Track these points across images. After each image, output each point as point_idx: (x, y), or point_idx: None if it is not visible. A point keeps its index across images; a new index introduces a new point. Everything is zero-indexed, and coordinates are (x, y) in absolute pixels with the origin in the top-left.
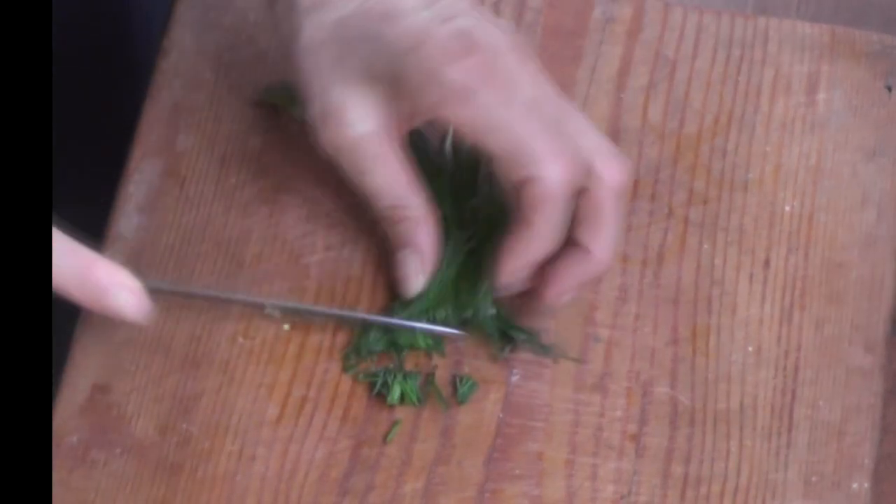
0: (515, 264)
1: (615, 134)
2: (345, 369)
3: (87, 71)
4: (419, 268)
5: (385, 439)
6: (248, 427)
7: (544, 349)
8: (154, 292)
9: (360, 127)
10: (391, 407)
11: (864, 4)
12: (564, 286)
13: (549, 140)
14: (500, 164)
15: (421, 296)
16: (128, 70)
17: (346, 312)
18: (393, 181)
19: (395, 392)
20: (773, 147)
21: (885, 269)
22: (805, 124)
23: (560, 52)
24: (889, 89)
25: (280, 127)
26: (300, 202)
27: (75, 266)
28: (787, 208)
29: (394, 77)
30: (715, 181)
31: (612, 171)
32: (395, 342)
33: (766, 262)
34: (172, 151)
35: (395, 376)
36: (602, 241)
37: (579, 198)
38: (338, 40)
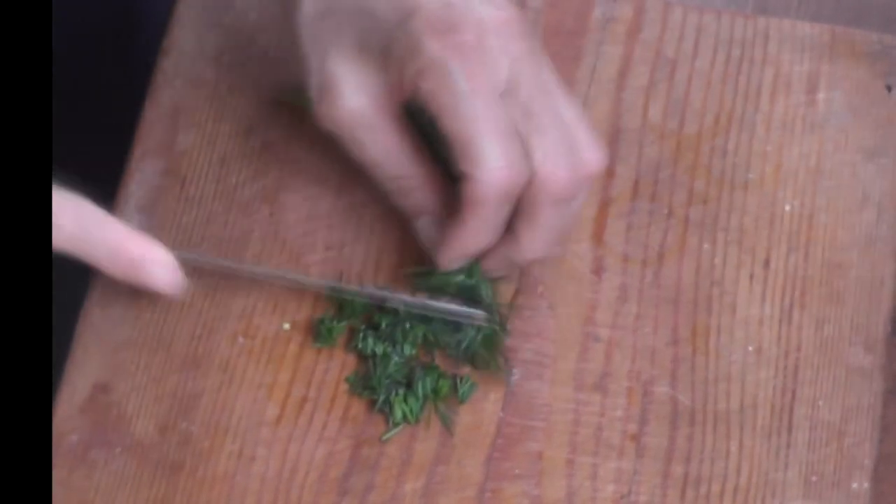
0: (450, 255)
1: (615, 134)
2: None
3: (87, 70)
4: (437, 231)
5: (381, 438)
6: (248, 427)
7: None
8: (187, 265)
9: (355, 100)
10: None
11: (864, 4)
12: (492, 263)
13: (499, 143)
14: (452, 147)
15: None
16: (128, 70)
17: (386, 293)
18: (391, 152)
19: (398, 412)
20: (774, 147)
21: (885, 269)
22: (805, 124)
23: (560, 52)
24: (889, 89)
25: (280, 127)
26: (300, 202)
27: (108, 240)
28: (787, 208)
29: (384, 49)
30: (715, 181)
31: (555, 178)
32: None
33: (767, 262)
34: (172, 151)
35: (396, 394)
36: (530, 237)
37: (524, 191)
38: (335, 12)
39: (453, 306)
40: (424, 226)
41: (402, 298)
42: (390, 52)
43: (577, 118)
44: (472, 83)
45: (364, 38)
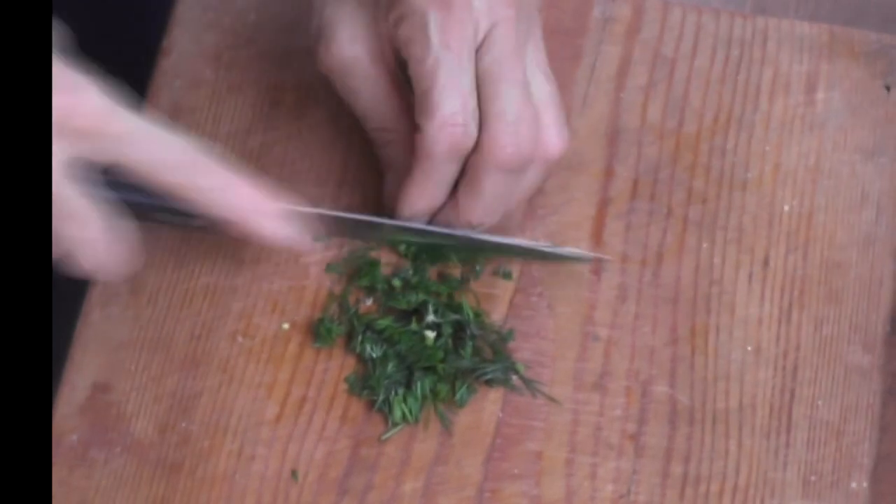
0: (402, 207)
1: (614, 133)
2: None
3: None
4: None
5: (380, 438)
6: (248, 426)
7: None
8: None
9: (349, 47)
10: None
11: (863, 4)
12: (438, 223)
13: (454, 99)
14: (415, 97)
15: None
16: (128, 70)
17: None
18: (380, 104)
19: (397, 412)
20: (773, 146)
21: (884, 268)
22: (804, 124)
23: (559, 52)
24: (888, 88)
25: (280, 127)
26: (300, 202)
27: (218, 185)
28: (786, 208)
29: None
30: (714, 180)
31: (499, 146)
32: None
33: (766, 262)
34: None
35: (396, 394)
36: (469, 202)
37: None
38: None
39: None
40: (390, 180)
41: (452, 231)
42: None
43: (547, 98)
44: (446, 36)
45: None
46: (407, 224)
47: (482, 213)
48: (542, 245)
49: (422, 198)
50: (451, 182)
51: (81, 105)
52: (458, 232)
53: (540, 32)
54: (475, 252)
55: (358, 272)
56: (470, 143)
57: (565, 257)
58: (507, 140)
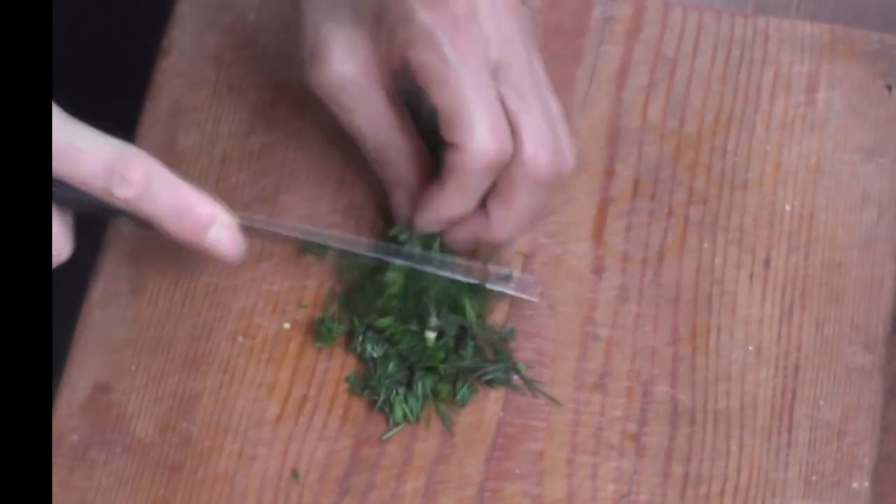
0: (427, 218)
1: (615, 133)
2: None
3: (88, 70)
4: (411, 206)
5: (381, 437)
6: (249, 426)
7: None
8: (246, 229)
9: (343, 67)
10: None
11: (864, 4)
12: (459, 235)
13: (488, 115)
14: (440, 118)
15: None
16: (128, 70)
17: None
18: (376, 123)
19: (398, 412)
20: (773, 146)
21: (885, 268)
22: (805, 124)
23: (560, 52)
24: (889, 89)
25: (280, 127)
26: (300, 202)
27: (175, 201)
28: (787, 208)
29: (377, 17)
30: (715, 180)
31: (537, 160)
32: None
33: (767, 262)
34: (173, 151)
35: (397, 394)
36: (502, 216)
37: (503, 169)
38: None
39: (455, 259)
40: (400, 198)
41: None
42: (382, 20)
43: (558, 113)
44: (462, 54)
45: (359, 7)
46: (356, 250)
47: (514, 227)
48: (484, 280)
49: (453, 209)
50: (482, 193)
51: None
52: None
53: (538, 48)
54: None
55: (362, 284)
56: (508, 156)
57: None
58: (544, 156)
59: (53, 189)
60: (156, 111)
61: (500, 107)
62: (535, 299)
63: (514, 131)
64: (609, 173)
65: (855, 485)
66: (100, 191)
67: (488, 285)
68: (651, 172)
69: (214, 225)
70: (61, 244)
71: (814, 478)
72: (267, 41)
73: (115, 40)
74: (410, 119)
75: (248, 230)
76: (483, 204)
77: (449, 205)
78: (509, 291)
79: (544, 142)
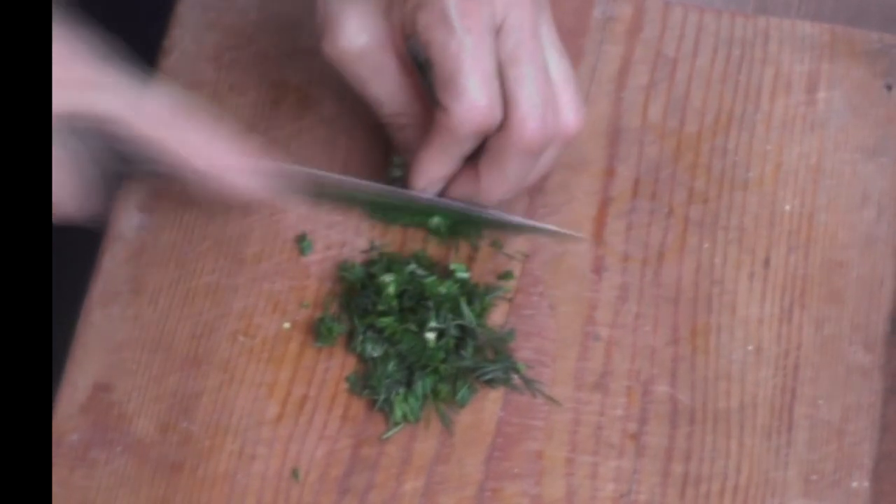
0: (417, 178)
1: (615, 133)
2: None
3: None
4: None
5: (381, 437)
6: (249, 426)
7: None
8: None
9: (359, 38)
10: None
11: (864, 4)
12: (453, 193)
13: (480, 82)
14: (435, 77)
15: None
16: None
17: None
18: (392, 91)
19: (398, 412)
20: (774, 146)
21: (885, 268)
22: (805, 123)
23: None
24: (889, 88)
25: (281, 126)
26: (300, 202)
27: (198, 133)
28: (788, 207)
29: None
30: (715, 180)
31: (525, 129)
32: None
33: (767, 262)
34: None
35: (397, 394)
36: (491, 180)
37: (494, 135)
38: None
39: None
40: (410, 161)
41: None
42: None
43: (563, 77)
44: (467, 20)
45: None
46: (384, 188)
47: (503, 191)
48: (516, 219)
49: (438, 169)
50: (466, 155)
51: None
52: (443, 202)
53: (549, 7)
54: (456, 222)
55: (360, 287)
56: (494, 124)
57: (539, 230)
58: (533, 124)
59: (73, 139)
60: None
61: (496, 74)
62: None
63: (508, 99)
64: (609, 173)
65: (854, 484)
66: (136, 128)
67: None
68: (651, 172)
69: (235, 165)
70: (70, 195)
71: (813, 477)
72: (268, 41)
73: (115, 40)
74: (422, 83)
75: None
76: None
77: (430, 163)
78: (550, 227)
79: (533, 111)
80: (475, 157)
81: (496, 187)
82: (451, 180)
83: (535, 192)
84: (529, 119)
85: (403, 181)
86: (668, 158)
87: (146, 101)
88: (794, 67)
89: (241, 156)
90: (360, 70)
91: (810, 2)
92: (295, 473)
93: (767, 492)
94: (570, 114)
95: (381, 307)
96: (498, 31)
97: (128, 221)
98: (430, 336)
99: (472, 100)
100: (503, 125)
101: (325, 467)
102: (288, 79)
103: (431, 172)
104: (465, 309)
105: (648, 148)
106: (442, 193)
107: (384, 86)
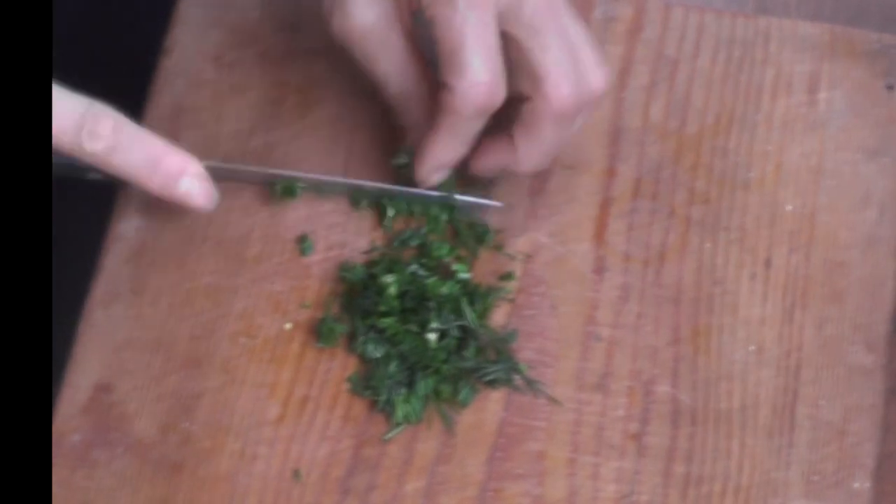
0: (424, 165)
1: (616, 133)
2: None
3: (89, 70)
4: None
5: (382, 438)
6: (250, 426)
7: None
8: (212, 171)
9: (366, 15)
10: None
11: (864, 4)
12: (486, 164)
13: (483, 58)
14: (438, 54)
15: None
16: (130, 69)
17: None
18: (399, 69)
19: (399, 412)
20: (775, 146)
21: (887, 268)
22: (806, 124)
23: None
24: (889, 88)
25: (282, 126)
26: (300, 202)
27: (145, 153)
28: (789, 208)
29: None
30: (716, 180)
31: (559, 93)
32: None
33: (768, 262)
34: None
35: (398, 394)
36: (528, 149)
37: (525, 102)
38: None
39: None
40: (413, 141)
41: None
42: None
43: (582, 38)
44: None
45: None
46: (332, 179)
47: (541, 159)
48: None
49: (446, 152)
50: (475, 137)
51: None
52: (391, 187)
53: None
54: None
55: (362, 288)
56: (499, 101)
57: (461, 202)
58: (567, 90)
59: None
60: (158, 111)
61: (499, 50)
62: (498, 204)
63: (535, 69)
64: (610, 173)
65: (856, 485)
66: (69, 146)
67: (456, 196)
68: (652, 172)
69: (186, 175)
70: None
71: (815, 477)
72: (269, 40)
73: (116, 40)
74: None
75: (215, 173)
76: (510, 134)
77: (443, 149)
78: (471, 198)
79: (566, 75)
80: (508, 127)
81: (533, 156)
82: (486, 151)
83: (536, 192)
84: (562, 85)
85: (409, 168)
86: (669, 159)
87: (90, 119)
88: (794, 68)
89: (188, 166)
90: (367, 47)
91: (810, 2)
92: (296, 474)
93: (769, 492)
94: (596, 73)
95: (382, 308)
96: (510, 6)
97: (128, 222)
98: (432, 337)
99: (474, 76)
100: (535, 94)
101: (327, 468)
102: (289, 79)
103: (439, 156)
104: (466, 309)
105: (649, 148)
106: (476, 165)
107: (391, 64)
